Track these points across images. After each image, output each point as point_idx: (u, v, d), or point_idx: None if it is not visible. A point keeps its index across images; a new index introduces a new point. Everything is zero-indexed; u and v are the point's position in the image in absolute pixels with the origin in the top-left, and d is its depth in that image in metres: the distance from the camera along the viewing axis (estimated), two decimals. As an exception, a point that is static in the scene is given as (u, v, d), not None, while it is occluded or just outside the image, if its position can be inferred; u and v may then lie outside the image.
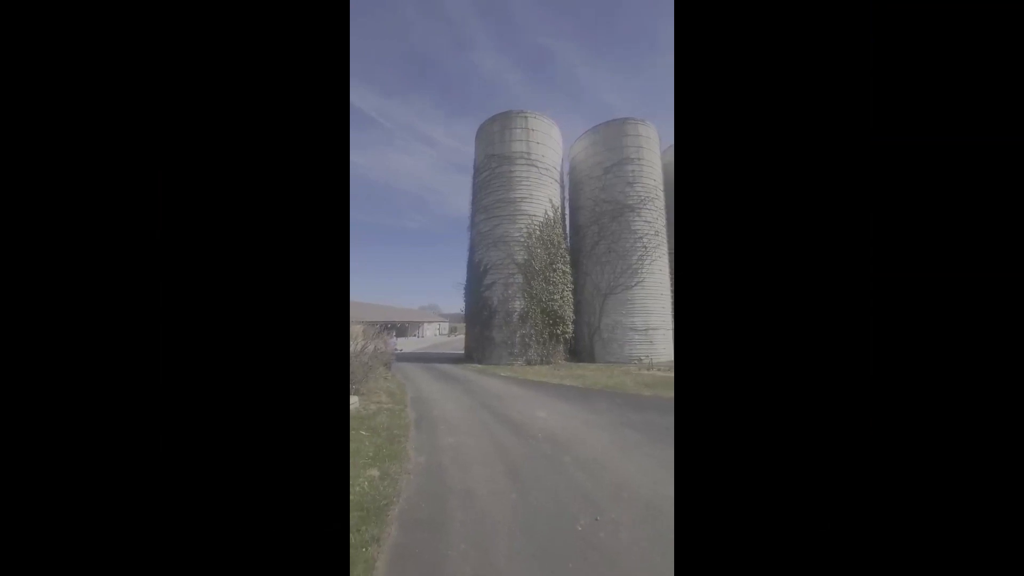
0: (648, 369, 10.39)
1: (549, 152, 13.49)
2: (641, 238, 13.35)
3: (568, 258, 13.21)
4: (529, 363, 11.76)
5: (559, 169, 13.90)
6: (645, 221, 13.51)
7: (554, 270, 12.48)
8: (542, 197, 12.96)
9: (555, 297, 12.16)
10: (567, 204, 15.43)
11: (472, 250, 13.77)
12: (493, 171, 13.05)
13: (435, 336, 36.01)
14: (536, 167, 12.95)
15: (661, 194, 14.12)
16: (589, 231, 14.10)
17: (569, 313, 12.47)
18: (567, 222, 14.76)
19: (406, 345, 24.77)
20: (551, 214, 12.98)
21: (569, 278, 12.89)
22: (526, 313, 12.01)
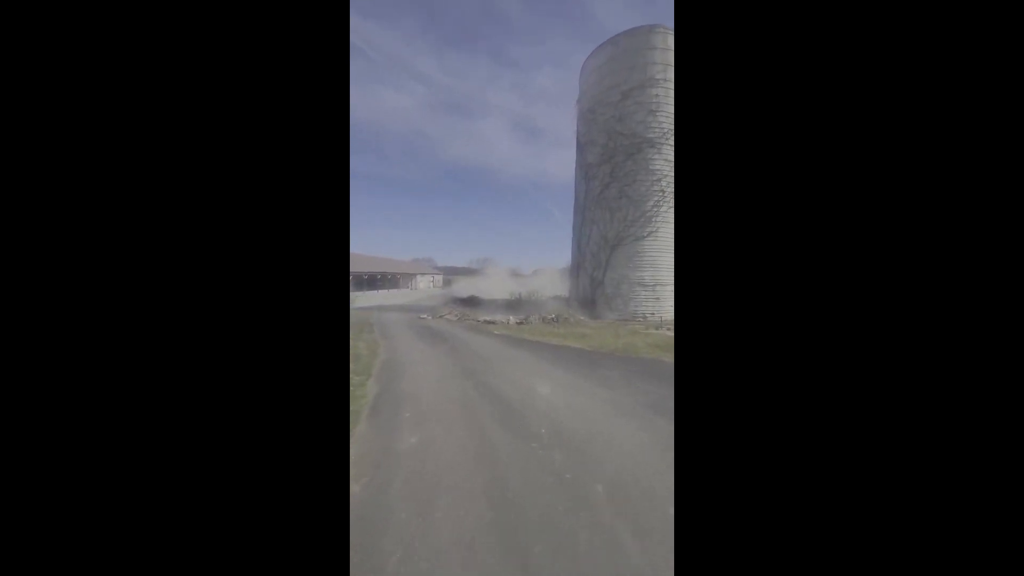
0: (657, 328, 9.27)
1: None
2: (659, 180, 11.47)
3: None
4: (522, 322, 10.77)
5: None
6: (666, 159, 11.50)
7: None
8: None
9: None
10: (575, 139, 13.36)
11: None
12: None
13: (429, 288, 35.01)
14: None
15: (687, 127, 11.98)
16: (599, 172, 12.15)
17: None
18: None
19: (398, 297, 24.55)
20: None
21: None
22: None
